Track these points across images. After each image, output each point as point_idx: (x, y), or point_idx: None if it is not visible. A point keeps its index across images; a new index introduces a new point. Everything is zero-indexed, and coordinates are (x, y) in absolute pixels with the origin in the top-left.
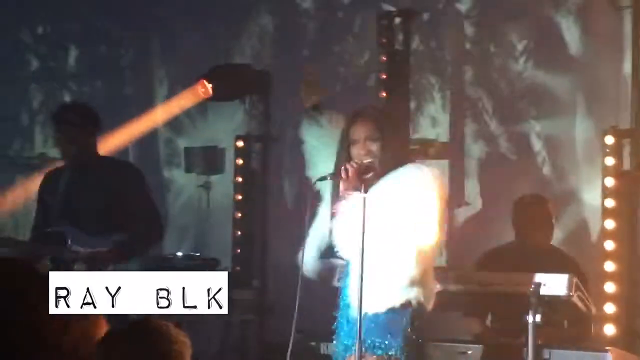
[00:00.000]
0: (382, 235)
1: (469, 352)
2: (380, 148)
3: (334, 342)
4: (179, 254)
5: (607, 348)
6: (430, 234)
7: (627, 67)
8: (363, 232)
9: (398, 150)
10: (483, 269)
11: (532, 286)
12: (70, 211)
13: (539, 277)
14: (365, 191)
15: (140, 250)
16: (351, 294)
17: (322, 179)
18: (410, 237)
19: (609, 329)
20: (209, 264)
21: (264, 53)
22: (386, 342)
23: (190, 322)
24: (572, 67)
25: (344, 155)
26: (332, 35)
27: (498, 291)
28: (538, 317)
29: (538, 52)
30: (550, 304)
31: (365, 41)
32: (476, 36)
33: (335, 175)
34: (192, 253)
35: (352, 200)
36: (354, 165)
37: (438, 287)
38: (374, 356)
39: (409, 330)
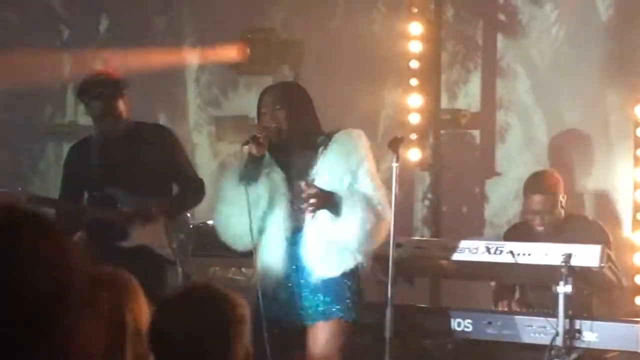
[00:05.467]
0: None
1: (498, 323)
2: (286, 116)
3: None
4: (210, 222)
5: (638, 319)
6: (381, 198)
7: None
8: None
9: (307, 119)
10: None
11: (563, 257)
12: (112, 179)
13: (569, 248)
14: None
15: (184, 208)
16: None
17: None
18: (363, 202)
19: None
20: None
21: (294, 21)
22: (338, 307)
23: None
24: (604, 34)
25: (257, 124)
26: (363, 5)
27: (528, 262)
28: (568, 288)
29: (570, 20)
30: (581, 274)
31: (396, 10)
32: (508, 5)
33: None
34: None
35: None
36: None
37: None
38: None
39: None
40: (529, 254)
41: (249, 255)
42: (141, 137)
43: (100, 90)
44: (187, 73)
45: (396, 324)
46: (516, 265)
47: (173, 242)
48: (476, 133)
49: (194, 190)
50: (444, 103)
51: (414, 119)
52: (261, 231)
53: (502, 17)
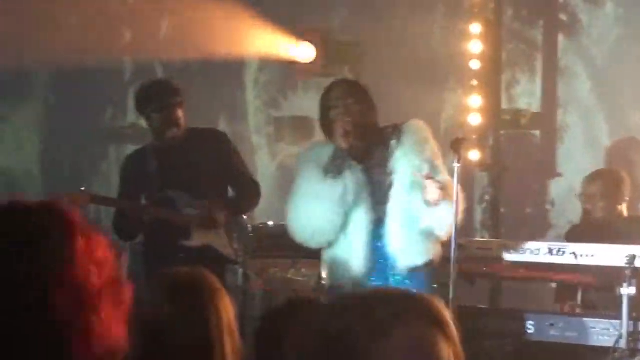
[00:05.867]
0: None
1: (560, 324)
2: (359, 110)
3: None
4: (270, 223)
5: None
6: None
7: None
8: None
9: (374, 113)
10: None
11: (627, 258)
12: (171, 182)
13: (633, 249)
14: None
15: (242, 209)
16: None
17: None
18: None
19: None
20: None
21: (354, 22)
22: None
23: (283, 291)
24: None
25: (323, 117)
26: (423, 5)
27: (591, 263)
28: (632, 290)
29: (632, 20)
30: None
31: (457, 10)
32: (568, 5)
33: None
34: (283, 223)
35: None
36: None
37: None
38: None
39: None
40: (592, 255)
41: (309, 256)
42: (197, 142)
43: (160, 103)
44: (246, 74)
45: (457, 325)
46: (579, 267)
47: (234, 242)
48: (536, 133)
49: (250, 192)
50: (504, 103)
51: (474, 119)
52: (343, 226)
53: (562, 16)
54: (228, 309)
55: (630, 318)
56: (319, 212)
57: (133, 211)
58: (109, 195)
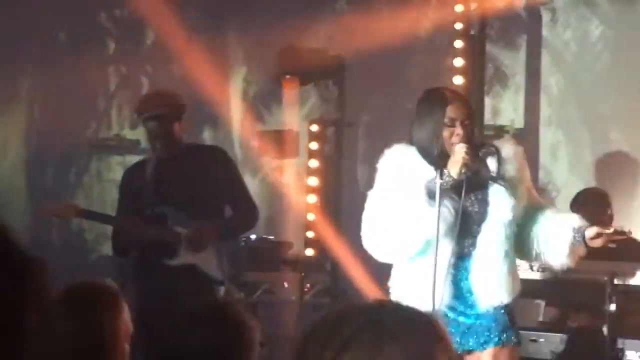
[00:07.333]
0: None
1: (541, 340)
2: (472, 132)
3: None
4: (253, 236)
5: None
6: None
7: None
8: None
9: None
10: None
11: (607, 275)
12: (164, 197)
13: (615, 266)
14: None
15: (237, 232)
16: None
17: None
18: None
19: None
20: (282, 247)
21: (338, 37)
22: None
23: (264, 305)
24: None
25: (434, 135)
26: (407, 21)
27: (576, 279)
28: (613, 307)
29: (614, 38)
30: (627, 293)
31: (441, 26)
32: (552, 22)
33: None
34: (266, 236)
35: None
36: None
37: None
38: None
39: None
40: (577, 272)
41: (291, 269)
42: (195, 158)
43: (157, 112)
44: (232, 87)
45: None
46: (565, 283)
47: (223, 262)
48: None
49: (247, 215)
50: (487, 119)
51: None
52: (423, 250)
53: (546, 33)
54: (115, 323)
55: (610, 334)
56: (406, 233)
57: (119, 227)
58: (92, 205)
